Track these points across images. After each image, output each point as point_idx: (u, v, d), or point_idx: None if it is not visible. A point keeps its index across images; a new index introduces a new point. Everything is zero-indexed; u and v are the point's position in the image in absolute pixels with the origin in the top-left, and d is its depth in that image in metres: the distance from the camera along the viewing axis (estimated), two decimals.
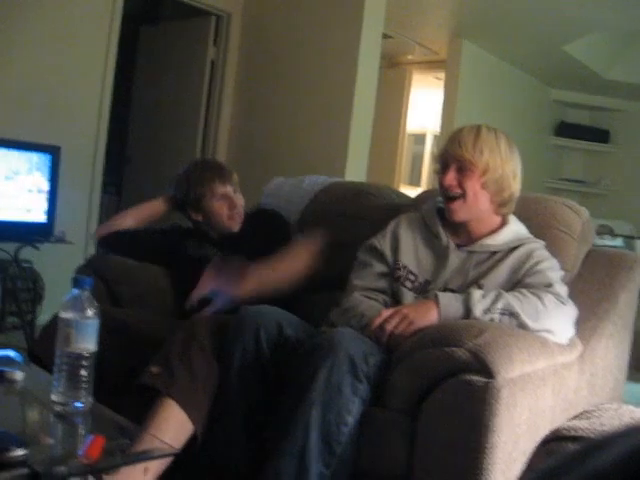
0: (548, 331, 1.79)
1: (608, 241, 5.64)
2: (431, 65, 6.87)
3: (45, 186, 3.84)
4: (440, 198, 2.06)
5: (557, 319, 1.81)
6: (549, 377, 1.77)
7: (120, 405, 1.61)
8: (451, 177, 1.94)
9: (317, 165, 4.35)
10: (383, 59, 5.50)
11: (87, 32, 4.55)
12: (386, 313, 1.85)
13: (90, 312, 1.54)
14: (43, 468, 1.22)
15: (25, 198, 3.79)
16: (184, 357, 1.86)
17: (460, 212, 1.97)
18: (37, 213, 3.84)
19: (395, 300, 2.04)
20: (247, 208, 2.71)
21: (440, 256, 2.02)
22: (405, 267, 2.05)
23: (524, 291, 1.82)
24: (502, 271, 1.93)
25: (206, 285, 2.31)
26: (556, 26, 5.52)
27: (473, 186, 1.94)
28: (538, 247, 1.97)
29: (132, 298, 2.55)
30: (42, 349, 2.05)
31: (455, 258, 1.99)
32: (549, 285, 1.84)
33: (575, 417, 1.90)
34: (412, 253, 2.07)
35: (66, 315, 1.53)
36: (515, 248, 1.96)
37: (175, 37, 5.62)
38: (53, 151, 3.89)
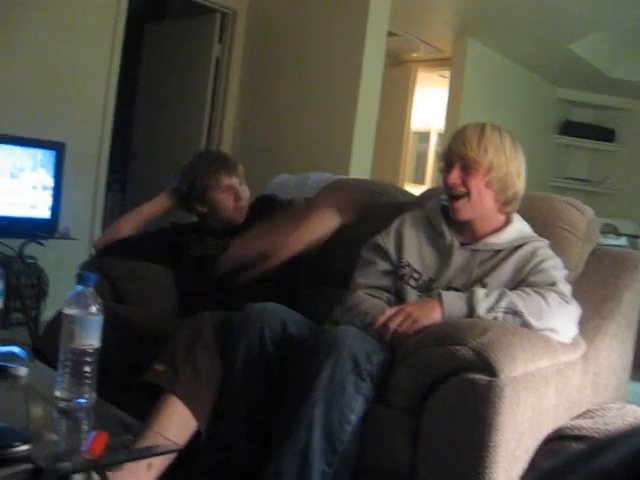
0: (552, 330, 1.79)
1: (612, 240, 5.63)
2: (436, 63, 6.86)
3: (50, 182, 3.85)
4: (444, 196, 2.06)
5: (561, 318, 1.81)
6: (552, 376, 1.77)
7: (123, 401, 1.62)
8: (455, 176, 1.94)
9: (321, 162, 4.35)
10: (388, 57, 5.50)
11: (92, 29, 4.55)
12: (390, 311, 1.85)
13: (94, 308, 1.55)
14: (46, 464, 1.22)
15: (30, 194, 3.79)
16: (189, 354, 1.86)
17: (464, 211, 1.97)
18: (41, 209, 3.84)
19: (399, 298, 2.04)
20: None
21: (444, 254, 2.01)
22: (409, 265, 2.05)
23: (527, 290, 1.82)
24: (506, 269, 1.93)
25: (242, 247, 2.31)
26: (561, 24, 5.51)
27: (477, 185, 1.94)
28: (542, 246, 1.97)
29: (135, 295, 2.56)
30: (46, 345, 2.05)
31: (459, 256, 1.99)
32: (553, 284, 1.84)
33: (578, 416, 1.90)
34: (416, 251, 2.07)
35: (70, 311, 1.53)
36: (519, 247, 1.96)
37: (180, 34, 5.62)
38: (58, 148, 3.89)
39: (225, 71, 5.41)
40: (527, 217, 2.07)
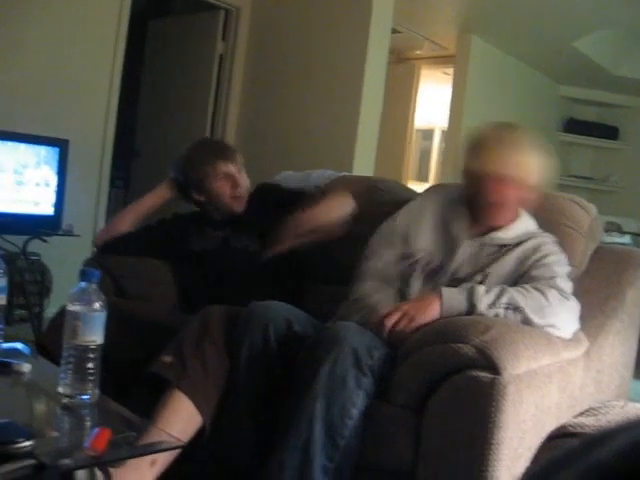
0: (552, 326, 1.79)
1: (616, 238, 5.63)
2: (439, 60, 6.84)
3: (53, 179, 3.85)
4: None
5: (561, 314, 1.81)
6: (555, 374, 1.77)
7: (126, 398, 1.62)
8: (507, 193, 1.95)
9: (325, 159, 4.35)
10: (391, 54, 5.49)
11: (96, 26, 4.55)
12: (386, 310, 1.85)
13: (97, 304, 1.55)
14: (49, 460, 1.22)
15: (33, 191, 3.80)
16: (197, 349, 1.85)
17: (499, 219, 2.00)
18: (45, 206, 3.84)
19: (403, 283, 2.04)
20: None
21: (454, 242, 2.02)
22: (419, 250, 2.06)
23: (527, 287, 1.82)
24: (509, 261, 1.95)
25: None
26: (565, 22, 5.50)
27: (517, 197, 1.97)
28: (547, 241, 1.98)
29: (137, 291, 2.56)
30: (49, 341, 2.06)
31: (467, 247, 2.00)
32: (552, 278, 1.85)
33: (581, 414, 1.90)
34: (428, 236, 2.07)
35: (73, 308, 1.54)
36: (523, 242, 1.97)
37: (184, 31, 5.61)
38: (61, 144, 3.89)
39: (228, 68, 5.41)
40: (531, 214, 2.08)
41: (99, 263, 2.52)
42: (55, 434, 1.47)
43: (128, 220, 2.62)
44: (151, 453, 1.56)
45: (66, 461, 1.27)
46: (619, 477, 0.35)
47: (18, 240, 3.74)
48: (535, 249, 1.94)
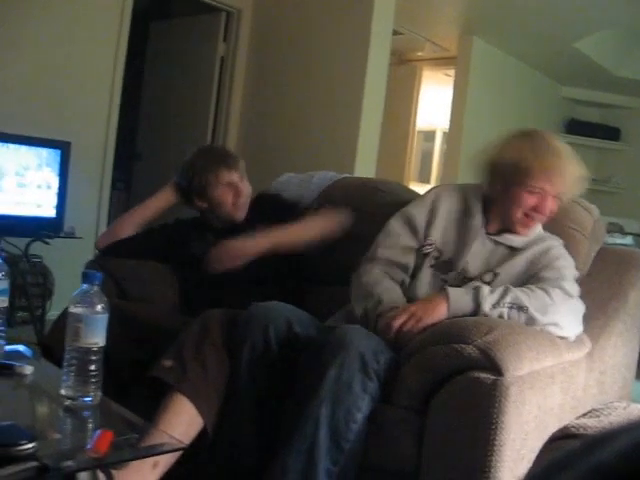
0: (555, 325, 1.79)
1: (618, 239, 5.62)
2: (441, 62, 6.85)
3: (55, 182, 3.86)
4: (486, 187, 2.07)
5: (565, 313, 1.82)
6: (558, 375, 1.77)
7: (128, 400, 1.62)
8: (548, 207, 1.95)
9: (326, 161, 4.35)
10: (393, 56, 5.50)
11: (97, 28, 4.56)
12: (394, 312, 1.85)
13: (99, 307, 1.55)
14: (52, 462, 1.22)
15: (35, 193, 3.80)
16: (197, 353, 1.85)
17: (530, 229, 2.00)
18: (47, 208, 3.85)
19: (414, 274, 2.04)
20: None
21: (468, 238, 2.02)
22: (433, 243, 2.06)
23: (532, 286, 1.83)
24: (519, 262, 1.96)
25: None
26: (566, 23, 5.50)
27: (554, 210, 1.98)
28: (557, 245, 2.00)
29: (139, 294, 2.56)
30: (52, 344, 2.06)
31: (480, 244, 2.00)
32: (559, 280, 1.85)
33: (584, 415, 1.90)
34: (442, 229, 2.07)
35: (75, 310, 1.54)
36: (534, 244, 1.99)
37: (185, 33, 5.62)
38: (63, 147, 3.90)
39: (230, 70, 5.41)
40: None
41: (101, 265, 2.52)
42: (57, 436, 1.47)
43: (131, 223, 2.62)
44: (153, 455, 1.56)
45: (68, 463, 1.27)
46: (620, 478, 0.35)
47: (20, 242, 3.75)
48: (546, 252, 1.95)
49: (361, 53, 4.68)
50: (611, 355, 2.05)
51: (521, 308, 1.77)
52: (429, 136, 8.07)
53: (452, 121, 6.42)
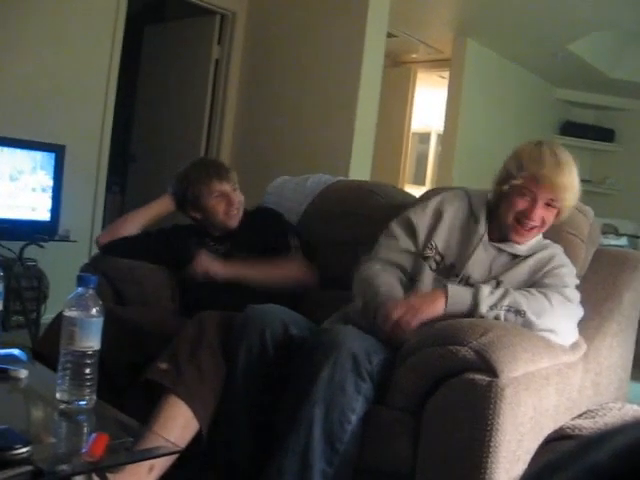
0: (552, 331, 1.79)
1: (613, 240, 5.64)
2: (435, 64, 6.86)
3: (49, 185, 3.85)
4: (491, 194, 2.06)
5: (563, 319, 1.82)
6: (553, 376, 1.77)
7: (124, 403, 1.62)
8: (541, 213, 1.94)
9: (321, 164, 4.35)
10: (387, 58, 5.51)
11: (91, 31, 4.55)
12: (392, 304, 1.85)
13: (94, 310, 1.55)
14: (47, 466, 1.22)
15: (29, 197, 3.80)
16: (192, 354, 1.86)
17: (526, 237, 1.99)
18: (41, 212, 3.84)
19: (414, 277, 2.04)
20: (250, 207, 2.72)
21: (471, 243, 2.02)
22: (435, 247, 2.06)
23: (532, 290, 1.83)
24: (522, 270, 1.95)
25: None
26: (560, 25, 5.51)
27: (551, 218, 1.97)
28: (559, 252, 2.00)
29: (136, 297, 2.56)
30: (46, 347, 2.05)
31: (483, 250, 2.00)
32: (563, 287, 1.86)
33: (579, 416, 1.90)
34: (446, 234, 2.07)
35: (70, 313, 1.53)
36: (537, 251, 1.99)
37: (179, 36, 5.62)
38: (57, 150, 3.89)
39: (224, 73, 5.41)
40: None
41: (97, 268, 2.53)
42: (52, 440, 1.47)
43: (133, 222, 2.66)
44: (149, 459, 1.56)
45: (64, 467, 1.26)
46: (614, 479, 0.35)
47: (15, 246, 3.74)
48: (549, 260, 1.95)
49: (355, 55, 4.68)
50: (606, 356, 2.05)
51: (518, 312, 1.77)
52: (424, 138, 8.08)
53: (447, 123, 6.43)
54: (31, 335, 3.69)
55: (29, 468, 1.19)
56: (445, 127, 6.48)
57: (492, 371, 1.57)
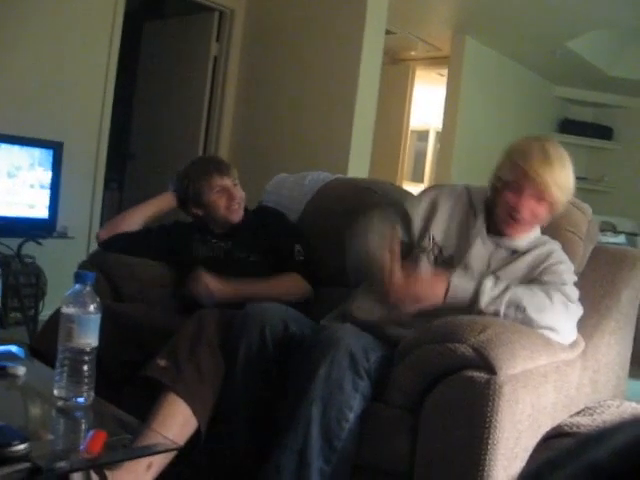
0: (551, 329, 1.79)
1: (611, 238, 5.64)
2: (434, 61, 6.85)
3: (47, 181, 3.84)
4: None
5: (562, 318, 1.81)
6: (551, 374, 1.77)
7: (122, 400, 1.62)
8: (529, 205, 1.93)
9: (319, 161, 4.35)
10: (386, 55, 5.50)
11: (90, 28, 4.55)
12: (398, 280, 1.85)
13: (92, 307, 1.54)
14: (45, 463, 1.22)
15: (27, 194, 3.79)
16: (192, 352, 1.86)
17: (519, 231, 1.99)
18: (39, 209, 3.84)
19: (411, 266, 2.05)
20: (250, 204, 2.72)
21: (470, 236, 2.02)
22: (433, 239, 2.06)
23: (534, 287, 1.83)
24: (521, 266, 1.95)
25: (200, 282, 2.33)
26: (559, 22, 5.51)
27: (541, 213, 1.96)
28: (557, 248, 2.00)
29: (134, 294, 2.56)
30: (44, 344, 2.05)
31: (482, 244, 2.00)
32: (562, 285, 1.86)
33: (577, 414, 1.90)
34: (444, 226, 2.08)
35: (68, 310, 1.53)
36: (535, 247, 1.98)
37: (178, 33, 5.61)
38: (55, 147, 3.89)
39: (223, 70, 5.41)
40: None
41: (95, 265, 2.53)
42: (50, 437, 1.47)
43: (134, 219, 2.66)
44: (147, 455, 1.56)
45: (62, 464, 1.26)
46: (612, 477, 0.35)
47: (13, 243, 3.74)
48: (547, 256, 1.95)
49: (354, 53, 4.68)
50: (604, 353, 2.06)
51: (518, 308, 1.77)
52: (422, 136, 8.08)
53: (445, 121, 6.43)
54: (29, 332, 3.69)
55: (27, 465, 1.19)
56: (444, 125, 6.48)
57: (490, 368, 1.57)
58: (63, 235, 3.95)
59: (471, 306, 1.80)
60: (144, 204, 2.73)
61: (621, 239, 5.84)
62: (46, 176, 3.84)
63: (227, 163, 2.69)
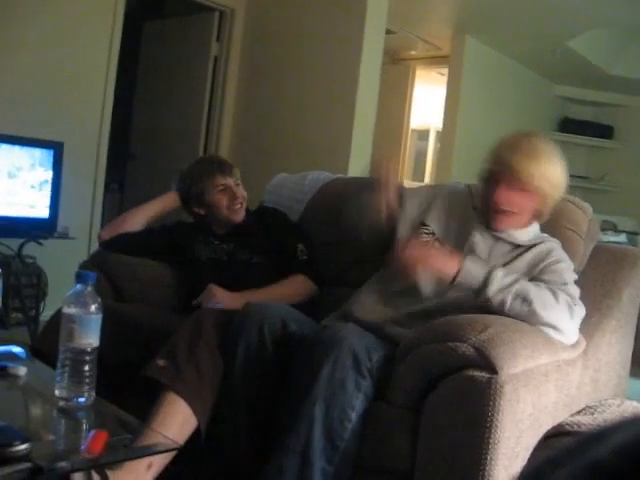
0: (555, 327, 1.78)
1: (612, 237, 5.64)
2: (434, 61, 6.85)
3: (48, 182, 3.85)
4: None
5: (567, 318, 1.81)
6: (552, 373, 1.77)
7: (123, 400, 1.62)
8: (507, 196, 1.93)
9: (320, 161, 4.35)
10: (386, 55, 5.49)
11: (90, 28, 4.55)
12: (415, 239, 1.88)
13: (93, 307, 1.54)
14: (46, 463, 1.22)
15: (28, 194, 3.79)
16: (190, 352, 1.86)
17: (505, 224, 1.99)
18: (40, 209, 3.84)
19: None
20: (250, 205, 2.72)
21: (468, 231, 2.03)
22: (433, 233, 2.07)
23: (541, 284, 1.83)
24: (520, 264, 1.96)
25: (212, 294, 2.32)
26: (560, 22, 5.51)
27: (524, 205, 1.95)
28: (557, 247, 2.00)
29: (135, 294, 2.56)
30: (45, 344, 2.05)
31: (480, 236, 2.01)
32: (564, 284, 1.85)
33: (578, 413, 1.90)
34: (443, 220, 2.10)
35: (69, 310, 1.53)
36: (535, 244, 1.98)
37: (178, 33, 5.61)
38: (56, 147, 3.89)
39: (223, 70, 5.41)
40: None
41: (96, 265, 2.53)
42: (51, 437, 1.47)
43: (136, 219, 2.67)
44: (147, 455, 1.56)
45: (63, 464, 1.26)
46: (613, 476, 0.35)
47: (13, 243, 3.74)
48: (547, 254, 1.95)
49: (354, 52, 4.68)
50: (605, 352, 2.05)
51: (525, 300, 1.76)
52: (423, 135, 8.07)
53: (446, 120, 6.43)
54: (30, 332, 3.69)
55: (28, 465, 1.19)
56: (444, 124, 6.48)
57: (491, 368, 1.57)
58: (64, 235, 3.95)
59: (477, 293, 1.80)
60: (147, 204, 2.73)
61: (622, 238, 5.84)
62: (47, 176, 3.84)
63: (230, 163, 2.69)
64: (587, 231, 2.15)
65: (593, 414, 1.87)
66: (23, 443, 1.21)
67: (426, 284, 1.99)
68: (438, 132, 7.36)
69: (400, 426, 1.71)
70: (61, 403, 1.52)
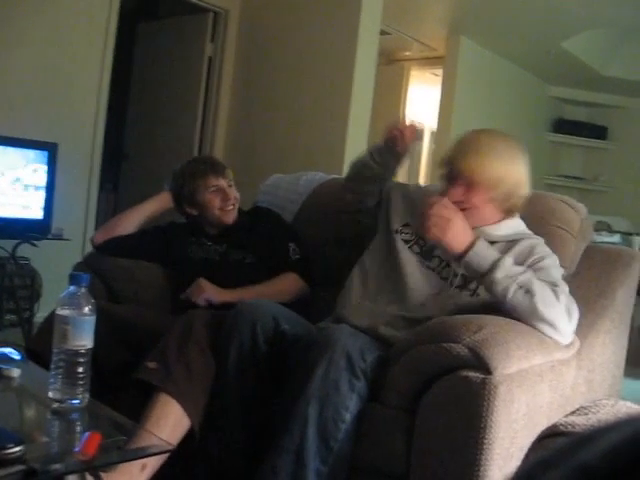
0: (552, 325, 1.76)
1: (606, 237, 5.65)
2: (429, 61, 6.86)
3: (42, 183, 3.84)
4: None
5: (565, 319, 1.80)
6: (546, 373, 1.77)
7: (117, 402, 1.61)
8: (459, 193, 1.93)
9: (315, 162, 4.35)
10: (381, 56, 5.50)
11: (84, 28, 4.54)
12: (438, 199, 1.87)
13: (87, 309, 1.54)
14: (40, 465, 1.21)
15: (22, 195, 3.78)
16: (181, 352, 1.86)
17: (470, 221, 1.97)
18: (34, 210, 3.83)
19: (396, 259, 2.08)
20: (245, 205, 2.71)
21: None
22: (414, 232, 2.08)
23: (544, 283, 1.82)
24: None
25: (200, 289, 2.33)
26: (554, 22, 5.52)
27: (479, 200, 1.95)
28: (539, 243, 1.98)
29: (129, 295, 2.55)
30: (39, 346, 2.05)
31: None
32: (554, 284, 1.84)
33: (572, 413, 1.90)
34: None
35: (63, 312, 1.53)
36: (515, 242, 1.96)
37: (173, 33, 5.61)
38: (50, 148, 3.88)
39: (217, 70, 5.41)
40: (522, 215, 2.07)
41: (90, 266, 2.52)
42: (45, 439, 1.47)
43: (129, 221, 2.65)
44: (141, 457, 1.56)
45: (56, 466, 1.26)
46: (605, 477, 0.35)
47: (7, 244, 3.73)
48: (530, 251, 1.93)
49: (349, 53, 4.68)
50: (599, 353, 2.06)
51: (528, 292, 1.74)
52: (417, 135, 8.07)
53: (440, 121, 6.44)
54: (24, 334, 3.68)
55: (22, 467, 1.19)
56: (438, 125, 6.49)
57: (486, 368, 1.57)
58: (58, 237, 3.94)
59: (483, 275, 1.79)
60: (140, 205, 2.72)
61: (616, 238, 5.85)
62: (41, 177, 3.83)
63: (223, 164, 2.69)
64: (579, 230, 2.15)
65: (587, 415, 1.87)
66: (17, 445, 1.21)
67: (412, 271, 2.01)
68: (433, 132, 7.37)
69: (395, 427, 1.71)
70: (55, 405, 1.51)
